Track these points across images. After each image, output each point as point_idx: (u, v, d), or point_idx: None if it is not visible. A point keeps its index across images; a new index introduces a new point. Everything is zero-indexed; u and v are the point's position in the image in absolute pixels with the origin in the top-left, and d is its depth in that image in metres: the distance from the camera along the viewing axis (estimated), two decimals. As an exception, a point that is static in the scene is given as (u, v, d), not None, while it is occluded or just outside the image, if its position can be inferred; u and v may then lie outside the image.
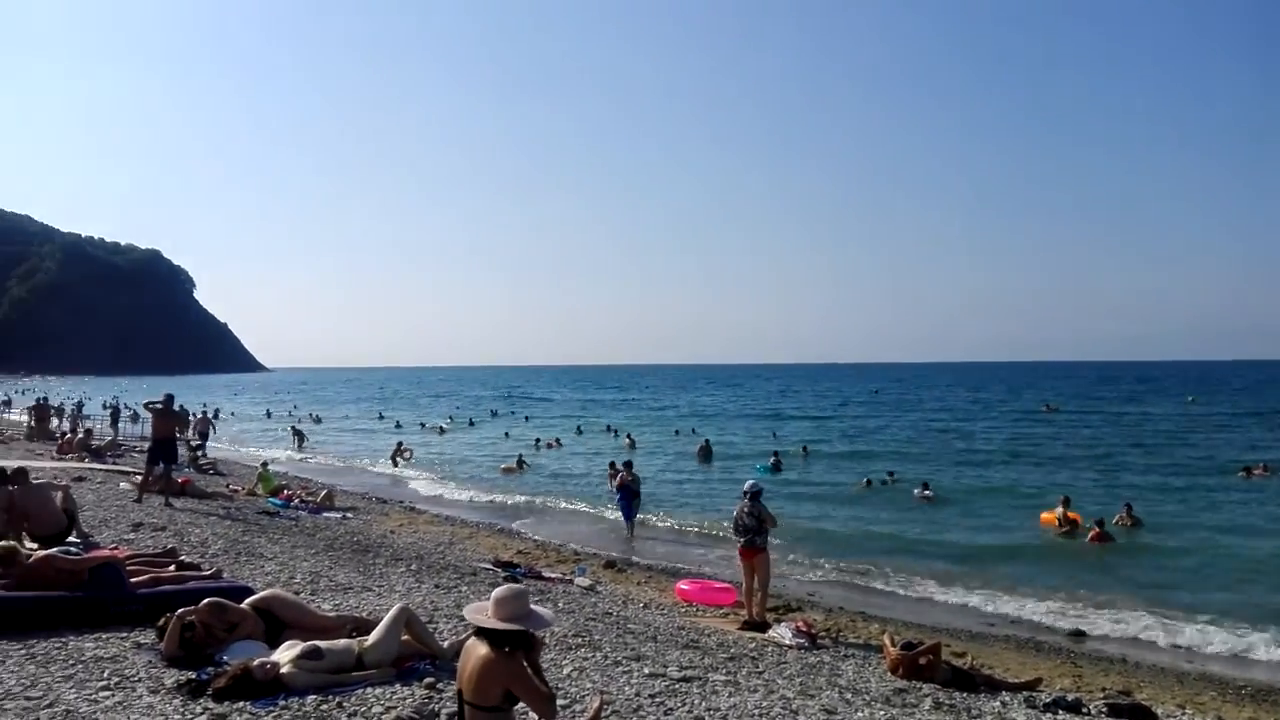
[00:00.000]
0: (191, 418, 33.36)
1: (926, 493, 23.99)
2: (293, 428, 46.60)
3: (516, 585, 4.96)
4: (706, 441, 37.36)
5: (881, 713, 6.77)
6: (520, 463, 31.78)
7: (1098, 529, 18.11)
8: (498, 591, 4.30)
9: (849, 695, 7.30)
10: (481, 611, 4.27)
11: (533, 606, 4.35)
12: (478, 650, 4.18)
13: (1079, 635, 12.24)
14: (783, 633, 10.35)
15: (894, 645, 9.00)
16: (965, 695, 7.97)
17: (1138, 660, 11.05)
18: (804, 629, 10.46)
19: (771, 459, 30.95)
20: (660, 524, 20.18)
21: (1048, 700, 8.09)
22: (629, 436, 41.27)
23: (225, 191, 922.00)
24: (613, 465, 23.99)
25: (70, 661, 5.97)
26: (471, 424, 56.02)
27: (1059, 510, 19.62)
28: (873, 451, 37.26)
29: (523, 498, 24.78)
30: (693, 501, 24.00)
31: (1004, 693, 8.29)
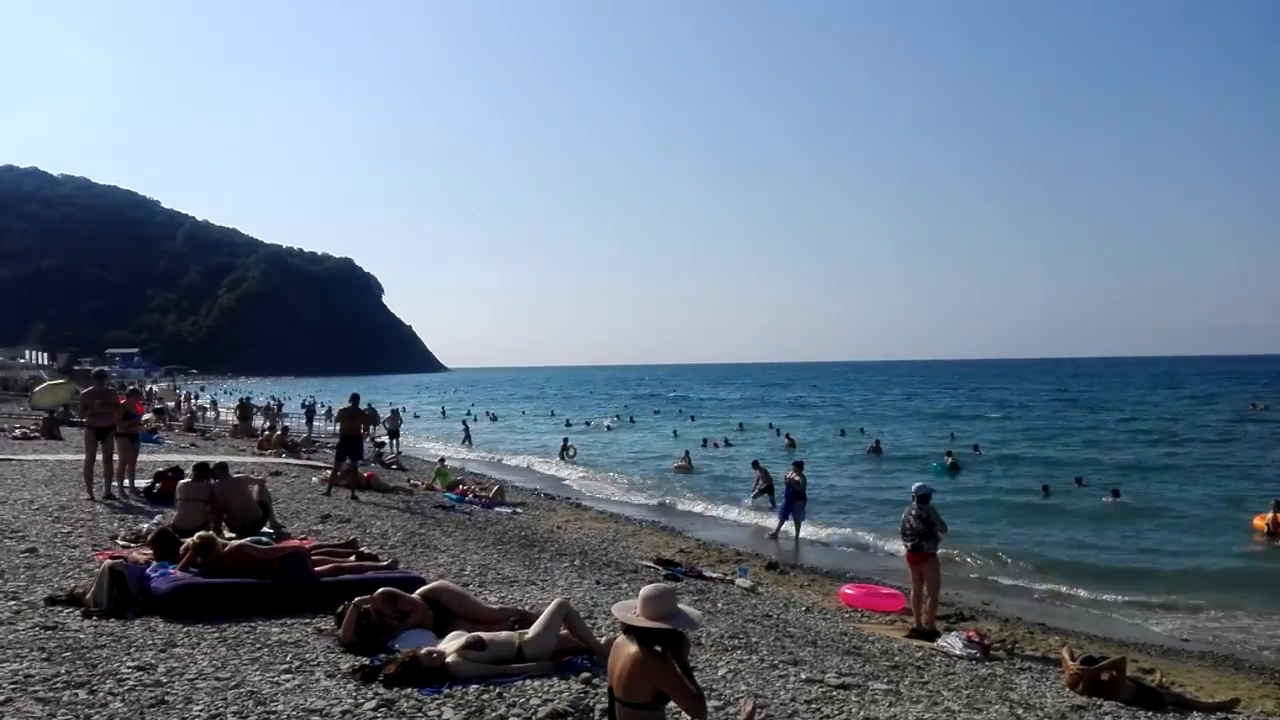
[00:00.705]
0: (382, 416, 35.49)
1: (1117, 498, 22.47)
2: (464, 422, 48.69)
3: (664, 584, 4.97)
4: (877, 441, 36.58)
5: (1056, 731, 6.38)
6: (687, 461, 31.90)
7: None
8: (645, 589, 4.29)
9: (1020, 710, 6.92)
10: (630, 609, 4.27)
11: (680, 606, 4.32)
12: (627, 648, 4.19)
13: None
14: (953, 642, 9.94)
15: (1074, 659, 8.47)
16: (1151, 714, 7.44)
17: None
18: (976, 639, 9.99)
19: (947, 460, 29.80)
20: (825, 527, 19.67)
21: (1245, 723, 7.43)
22: (788, 436, 40.68)
23: (410, 203, 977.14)
24: (756, 464, 23.67)
25: (257, 645, 6.39)
26: (632, 421, 56.89)
27: (1270, 515, 18.00)
28: (1057, 455, 34.80)
29: (686, 497, 24.76)
30: (859, 504, 23.38)
31: (1195, 713, 7.67)
